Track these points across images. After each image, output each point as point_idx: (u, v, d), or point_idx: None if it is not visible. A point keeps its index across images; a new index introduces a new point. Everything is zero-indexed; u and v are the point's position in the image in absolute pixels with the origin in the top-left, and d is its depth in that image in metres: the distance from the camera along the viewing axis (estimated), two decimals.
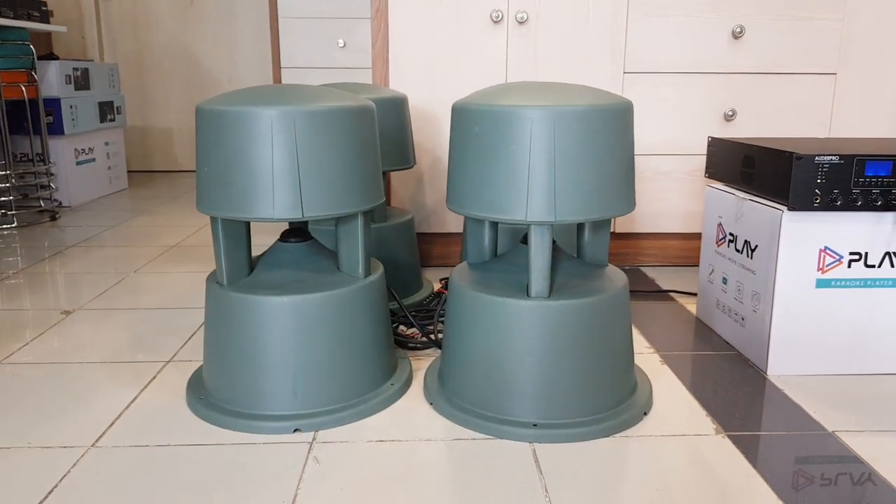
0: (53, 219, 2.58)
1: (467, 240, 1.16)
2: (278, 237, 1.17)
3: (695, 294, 1.67)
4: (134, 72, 3.82)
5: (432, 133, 1.81)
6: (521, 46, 1.76)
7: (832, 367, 1.20)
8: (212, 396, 1.08)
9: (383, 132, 1.47)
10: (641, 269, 1.92)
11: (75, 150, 2.89)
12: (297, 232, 1.15)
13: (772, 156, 1.19)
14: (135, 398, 1.12)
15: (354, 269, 1.09)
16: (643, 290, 1.71)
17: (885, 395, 1.13)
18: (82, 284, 1.76)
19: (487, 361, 1.02)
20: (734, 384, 1.17)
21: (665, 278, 1.82)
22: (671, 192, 1.86)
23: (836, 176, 1.11)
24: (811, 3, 1.75)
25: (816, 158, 1.11)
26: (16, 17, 2.54)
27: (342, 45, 3.26)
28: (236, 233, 1.06)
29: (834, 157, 1.11)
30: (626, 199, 0.99)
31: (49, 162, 2.69)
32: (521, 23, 1.74)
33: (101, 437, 1.00)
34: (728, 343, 1.36)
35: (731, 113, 1.80)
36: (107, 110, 3.14)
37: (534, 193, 0.94)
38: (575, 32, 1.75)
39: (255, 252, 2.12)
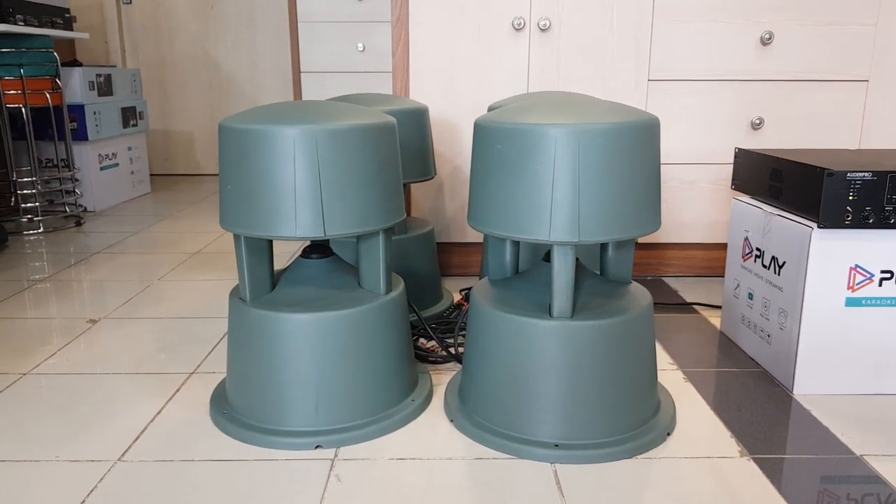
0: (79, 224, 2.61)
1: (488, 256, 1.16)
2: (300, 252, 1.17)
3: (719, 307, 1.65)
4: (155, 76, 3.86)
5: (453, 142, 1.80)
6: (544, 54, 1.75)
7: (860, 386, 1.18)
8: (235, 411, 1.08)
9: (404, 144, 1.47)
10: (664, 279, 1.90)
11: (99, 155, 2.92)
12: (318, 248, 1.15)
13: (802, 170, 1.17)
14: (160, 411, 1.13)
15: (376, 286, 1.09)
16: (666, 302, 1.69)
17: None
18: (107, 292, 1.78)
19: (509, 381, 1.01)
20: (759, 403, 1.16)
21: (688, 289, 1.80)
22: (695, 201, 1.84)
23: (869, 193, 1.09)
24: (843, 8, 1.71)
25: (848, 175, 1.08)
26: (40, 25, 2.58)
27: (361, 49, 3.26)
28: (259, 250, 1.06)
29: (866, 174, 1.08)
30: (652, 217, 0.98)
31: (74, 168, 2.73)
32: (543, 30, 1.73)
33: (127, 450, 1.01)
34: (753, 360, 1.33)
35: (758, 121, 1.78)
36: (129, 116, 3.17)
37: (557, 213, 0.93)
38: (598, 40, 1.73)
39: (277, 258, 2.13)
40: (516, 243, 1.15)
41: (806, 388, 1.19)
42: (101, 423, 1.09)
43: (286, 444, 1.01)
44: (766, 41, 1.73)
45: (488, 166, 0.98)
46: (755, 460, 0.98)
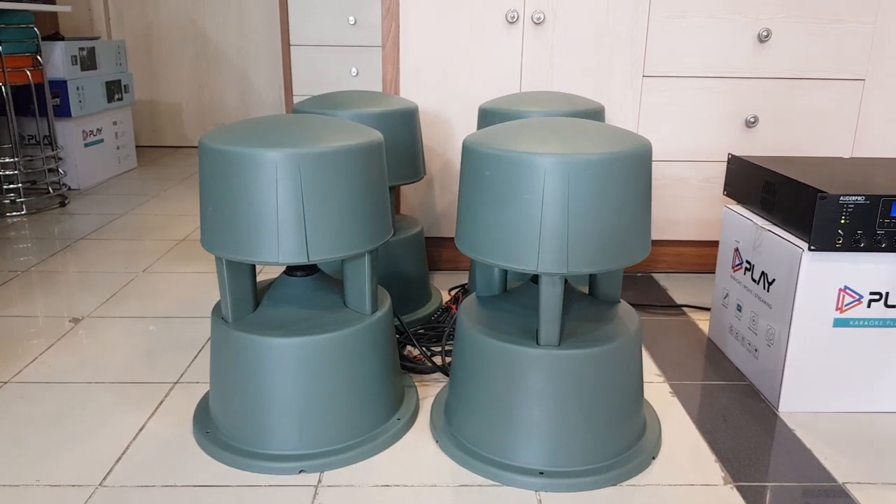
0: (63, 205, 2.57)
1: (476, 273, 1.14)
2: (284, 267, 1.15)
3: (708, 309, 1.64)
4: (142, 46, 3.76)
5: (444, 137, 1.77)
6: (537, 48, 1.70)
7: (846, 405, 1.18)
8: (218, 430, 1.08)
9: (393, 146, 1.43)
10: (654, 275, 1.89)
11: (83, 131, 2.87)
12: (302, 265, 1.12)
13: (795, 188, 1.15)
14: (142, 427, 1.12)
15: (361, 306, 1.07)
16: (655, 304, 1.68)
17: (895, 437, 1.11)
18: (91, 285, 1.75)
19: (494, 406, 1.01)
20: (745, 421, 1.16)
21: (678, 287, 1.80)
22: (687, 199, 1.82)
23: (861, 216, 1.07)
24: (841, 6, 1.68)
25: (841, 198, 1.07)
26: (19, 0, 2.49)
27: (353, 22, 3.18)
28: (241, 270, 1.04)
29: (859, 198, 1.07)
30: (641, 246, 0.96)
31: (57, 146, 2.67)
32: (537, 24, 1.69)
33: (108, 474, 1.00)
34: (740, 371, 1.33)
35: (752, 119, 1.75)
36: (114, 89, 3.10)
37: (545, 243, 0.91)
38: (593, 35, 1.69)
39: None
40: None
41: (791, 406, 1.19)
42: (82, 442, 1.08)
43: (269, 469, 1.00)
44: (763, 38, 1.69)
45: (476, 192, 0.96)
46: (738, 488, 0.98)
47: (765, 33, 1.69)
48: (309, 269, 1.12)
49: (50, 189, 2.65)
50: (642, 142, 0.95)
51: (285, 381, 1.01)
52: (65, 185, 2.72)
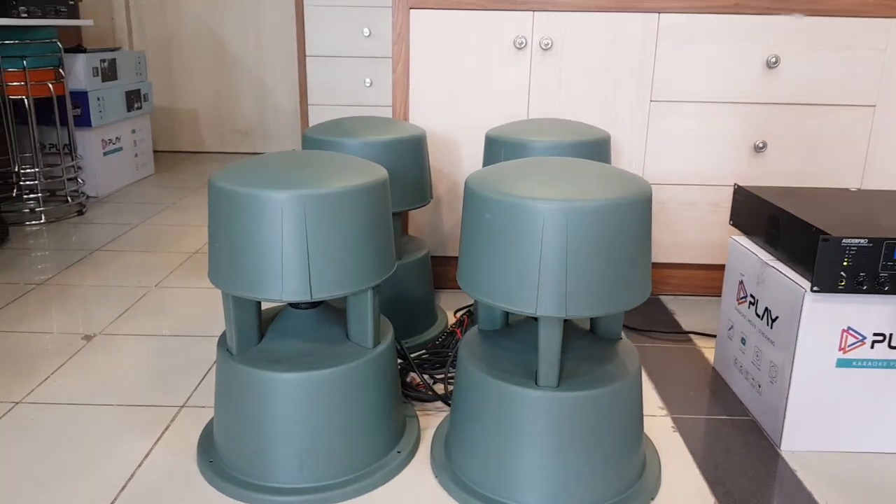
0: (81, 213, 2.62)
1: (479, 308, 1.15)
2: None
3: (713, 336, 1.64)
4: (162, 55, 3.81)
5: (451, 159, 1.78)
6: (545, 73, 1.71)
7: (848, 444, 1.18)
8: (221, 460, 1.10)
9: (401, 172, 1.45)
10: (661, 298, 1.89)
11: (102, 140, 2.91)
12: None
13: (798, 226, 1.15)
14: (147, 454, 1.15)
15: (363, 340, 1.09)
16: (662, 329, 1.68)
17: None
18: (104, 300, 1.79)
19: (493, 444, 1.02)
20: (746, 460, 1.16)
21: (685, 311, 1.79)
22: (695, 222, 1.82)
23: (864, 259, 1.07)
24: (851, 33, 1.67)
25: (843, 241, 1.07)
26: (44, 15, 2.54)
27: (367, 34, 3.21)
28: (247, 305, 1.06)
29: (862, 240, 1.06)
30: (641, 289, 0.97)
31: (76, 156, 2.72)
32: (545, 49, 1.69)
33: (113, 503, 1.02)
34: (743, 405, 1.33)
35: (761, 145, 1.74)
36: (133, 99, 3.14)
37: (544, 289, 0.92)
38: (601, 60, 1.70)
39: None
40: None
41: (793, 444, 1.19)
42: (87, 469, 1.11)
43: (271, 502, 1.02)
44: (772, 64, 1.69)
45: (477, 233, 0.97)
46: None
47: (773, 59, 1.68)
48: (313, 302, 1.14)
49: (69, 198, 2.70)
50: (643, 186, 0.96)
51: (287, 415, 1.02)
52: (83, 193, 2.76)
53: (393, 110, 1.76)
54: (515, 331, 1.13)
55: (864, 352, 1.14)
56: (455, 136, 1.76)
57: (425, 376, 1.39)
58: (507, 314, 1.16)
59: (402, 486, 1.07)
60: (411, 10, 1.67)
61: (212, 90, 3.88)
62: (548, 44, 1.68)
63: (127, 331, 1.62)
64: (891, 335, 1.12)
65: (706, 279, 1.90)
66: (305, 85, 3.28)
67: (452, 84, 1.72)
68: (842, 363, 1.14)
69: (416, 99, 1.73)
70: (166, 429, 1.22)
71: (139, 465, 1.12)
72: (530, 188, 0.93)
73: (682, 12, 1.66)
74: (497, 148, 1.45)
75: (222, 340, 1.11)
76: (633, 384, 1.03)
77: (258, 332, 1.09)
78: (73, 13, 2.82)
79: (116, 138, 3.03)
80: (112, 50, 3.00)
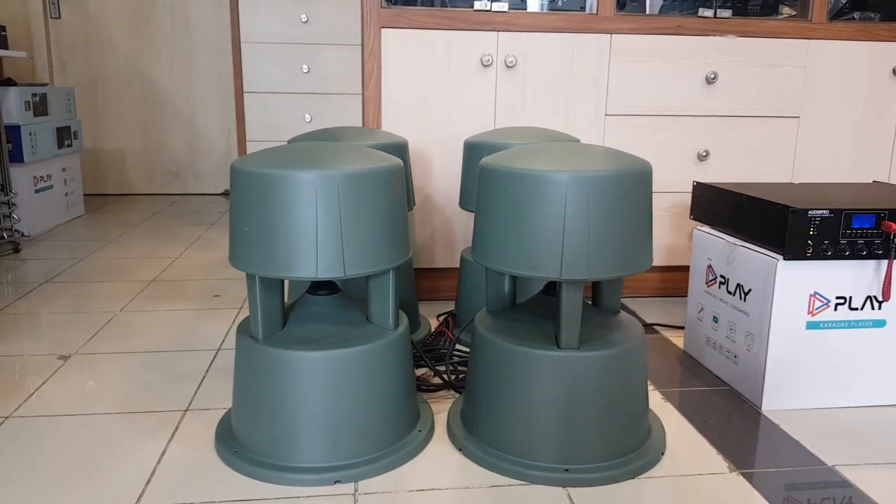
0: (17, 251, 2.50)
1: (488, 289, 1.21)
2: (307, 289, 1.19)
3: (680, 327, 1.76)
4: (87, 93, 3.73)
5: (424, 171, 1.85)
6: (510, 89, 1.83)
7: (821, 401, 1.31)
8: (245, 448, 1.09)
9: None
10: (621, 300, 2.01)
11: (34, 177, 2.81)
12: (325, 284, 1.17)
13: (764, 206, 1.29)
14: (164, 451, 1.13)
15: (385, 322, 1.13)
16: None
17: (868, 426, 1.23)
18: (70, 325, 1.72)
19: (517, 409, 1.07)
20: (735, 420, 1.26)
21: (645, 309, 1.92)
22: None
23: (827, 228, 1.22)
24: (778, 51, 1.88)
25: (810, 212, 1.21)
26: None
27: (307, 70, 3.27)
28: (273, 288, 1.08)
29: (825, 211, 1.21)
30: (648, 254, 1.06)
31: (11, 192, 2.61)
32: (510, 67, 1.81)
33: (141, 495, 1.00)
34: (719, 378, 1.45)
35: (704, 154, 1.92)
36: (64, 136, 3.06)
37: (568, 252, 1.00)
38: (561, 77, 1.83)
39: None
40: (514, 277, 1.21)
41: (773, 404, 1.30)
42: (105, 468, 1.08)
43: (305, 481, 1.03)
44: (711, 80, 1.87)
45: (498, 208, 1.04)
46: (744, 475, 1.07)
47: (712, 75, 1.87)
48: (330, 288, 1.17)
49: (3, 235, 2.57)
50: (644, 161, 1.06)
51: (318, 395, 1.04)
52: (18, 231, 2.64)
53: (364, 125, 1.82)
54: (524, 307, 1.20)
55: (829, 314, 1.27)
56: (425, 149, 1.84)
57: (433, 365, 1.43)
58: (514, 294, 1.22)
59: (430, 460, 1.10)
60: (383, 29, 1.76)
61: (139, 129, 3.82)
62: (512, 61, 1.80)
63: (104, 350, 1.57)
64: (850, 297, 1.27)
65: (661, 280, 2.04)
66: (244, 122, 3.29)
67: (423, 100, 1.81)
68: (811, 325, 1.27)
69: (388, 111, 1.81)
70: (176, 430, 1.20)
71: (158, 462, 1.09)
72: (548, 164, 1.02)
73: (632, 33, 1.82)
74: (478, 153, 1.53)
75: (241, 328, 1.12)
76: (642, 346, 1.12)
77: (282, 317, 1.11)
78: (4, 44, 2.74)
79: (48, 175, 2.93)
80: (41, 85, 2.92)
